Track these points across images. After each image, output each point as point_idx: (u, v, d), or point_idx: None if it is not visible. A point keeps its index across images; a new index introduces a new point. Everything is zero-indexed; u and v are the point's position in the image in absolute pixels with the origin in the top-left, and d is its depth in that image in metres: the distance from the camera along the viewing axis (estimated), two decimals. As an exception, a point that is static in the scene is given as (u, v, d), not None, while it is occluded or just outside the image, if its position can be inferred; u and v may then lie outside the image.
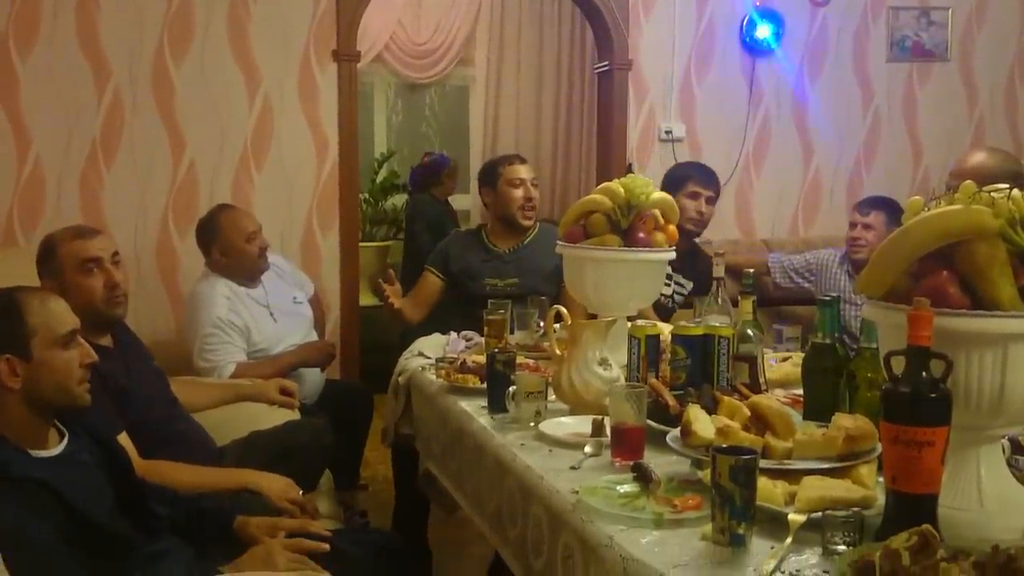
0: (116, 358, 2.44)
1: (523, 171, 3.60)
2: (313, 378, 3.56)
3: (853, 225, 3.88)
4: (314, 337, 3.69)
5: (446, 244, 3.73)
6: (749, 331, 2.25)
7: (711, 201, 3.73)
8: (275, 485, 2.44)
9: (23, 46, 3.89)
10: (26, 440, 1.86)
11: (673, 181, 3.64)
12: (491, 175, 3.64)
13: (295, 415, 3.08)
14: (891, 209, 3.75)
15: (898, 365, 1.40)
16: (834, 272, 3.98)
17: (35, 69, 3.91)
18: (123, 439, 2.27)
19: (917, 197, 1.56)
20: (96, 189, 4.03)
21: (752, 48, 4.88)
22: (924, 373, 1.38)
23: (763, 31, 4.83)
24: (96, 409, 2.03)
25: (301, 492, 2.51)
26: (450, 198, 6.55)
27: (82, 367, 1.92)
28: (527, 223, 3.59)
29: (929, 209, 1.51)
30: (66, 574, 1.76)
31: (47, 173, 3.97)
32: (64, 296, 2.06)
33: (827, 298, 1.99)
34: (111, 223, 3.94)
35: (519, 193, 3.56)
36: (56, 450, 1.92)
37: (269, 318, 3.46)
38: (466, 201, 7.00)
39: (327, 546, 2.09)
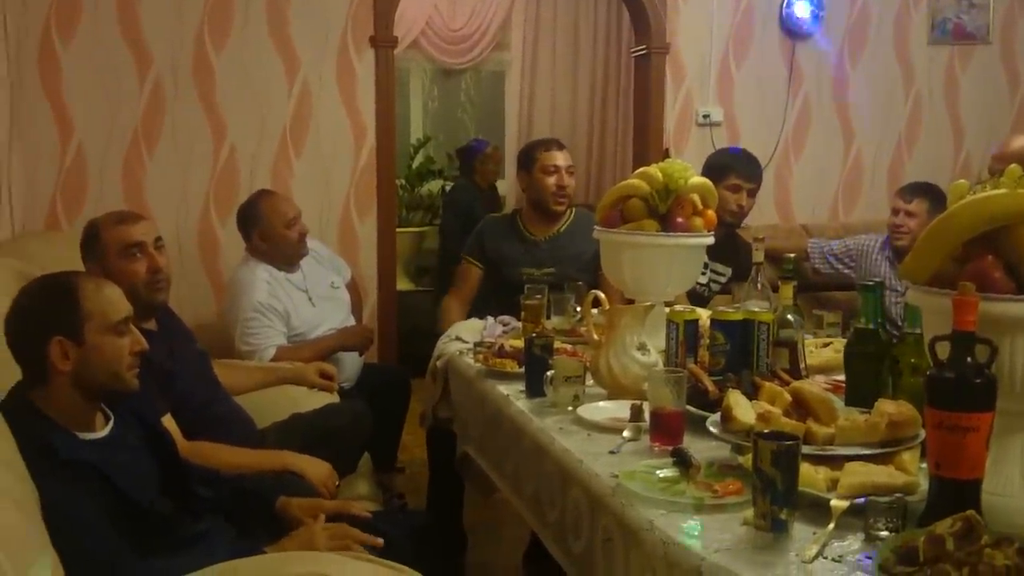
0: (161, 342, 2.47)
1: (559, 158, 3.57)
2: (351, 362, 3.59)
3: (896, 211, 3.83)
4: (352, 322, 3.71)
5: (480, 231, 3.71)
6: (789, 316, 2.24)
7: (752, 194, 3.68)
8: (317, 470, 2.47)
9: (65, 34, 3.94)
10: (73, 422, 1.89)
11: (715, 170, 3.54)
12: (527, 159, 3.64)
13: (334, 398, 3.11)
14: (934, 196, 3.70)
15: (943, 350, 1.39)
16: (875, 258, 3.94)
17: (77, 57, 3.95)
18: (167, 421, 2.30)
19: (962, 180, 1.54)
20: (138, 175, 4.08)
21: (792, 31, 4.83)
22: (969, 358, 1.37)
23: (803, 13, 4.78)
24: (142, 392, 2.05)
25: (338, 481, 2.55)
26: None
27: (132, 354, 1.94)
28: (559, 209, 3.58)
29: (974, 193, 1.49)
30: (112, 553, 1.78)
31: (90, 160, 4.02)
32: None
33: (870, 283, 1.97)
34: (153, 209, 3.99)
35: (552, 180, 3.54)
36: (102, 433, 1.95)
37: (308, 303, 3.49)
38: (503, 187, 7.01)
39: (380, 541, 2.09)
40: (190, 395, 2.54)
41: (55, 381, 1.87)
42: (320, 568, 1.73)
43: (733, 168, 3.66)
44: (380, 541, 2.06)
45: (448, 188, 6.80)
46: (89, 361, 1.88)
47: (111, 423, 1.97)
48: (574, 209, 3.68)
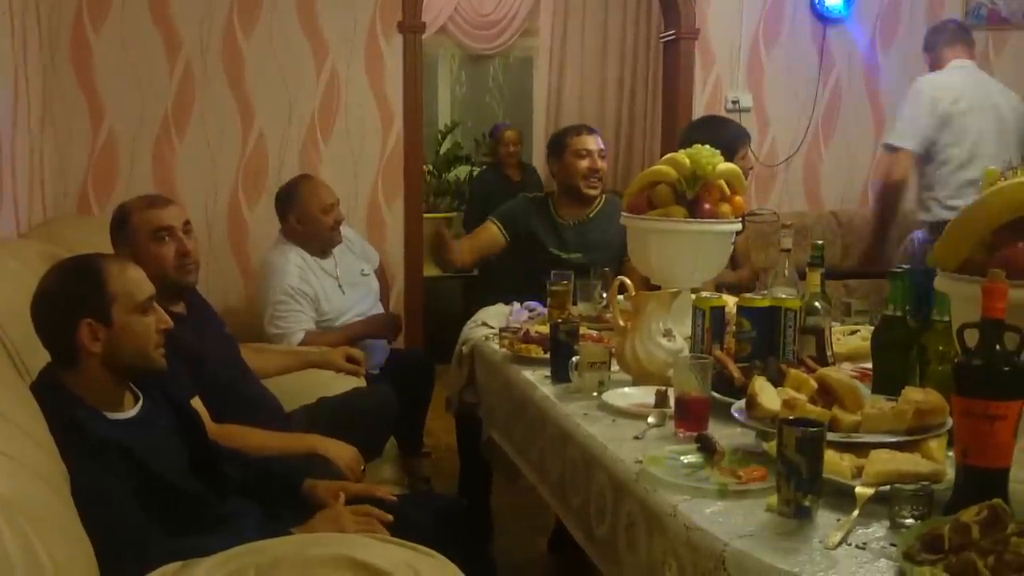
0: (189, 324, 2.49)
1: (590, 142, 3.54)
2: (378, 349, 3.61)
3: None
4: (379, 309, 3.73)
5: (514, 205, 3.69)
6: (817, 304, 2.22)
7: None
8: (343, 453, 2.48)
9: (96, 18, 3.97)
10: (103, 403, 1.91)
11: (729, 147, 3.16)
12: (558, 145, 3.60)
13: (361, 383, 3.12)
14: None
15: (971, 338, 1.38)
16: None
17: (108, 41, 3.99)
18: (196, 403, 2.32)
19: (993, 167, 1.53)
20: (168, 160, 4.12)
21: (823, 15, 4.78)
22: (998, 346, 1.35)
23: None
24: (170, 373, 2.07)
25: (364, 464, 2.56)
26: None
27: (158, 332, 1.97)
28: (591, 192, 3.54)
29: (1005, 179, 1.48)
30: (141, 532, 1.80)
31: (120, 144, 4.06)
32: (137, 264, 2.10)
33: (898, 270, 1.95)
34: (183, 193, 4.03)
35: (584, 164, 3.51)
36: (131, 412, 1.97)
37: (337, 289, 3.51)
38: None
39: (391, 517, 2.11)
40: (218, 377, 2.56)
41: (85, 363, 1.89)
42: (347, 550, 1.74)
43: (743, 140, 3.65)
44: (390, 517, 2.08)
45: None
46: (118, 342, 1.90)
47: (140, 403, 1.99)
48: (604, 196, 3.63)
